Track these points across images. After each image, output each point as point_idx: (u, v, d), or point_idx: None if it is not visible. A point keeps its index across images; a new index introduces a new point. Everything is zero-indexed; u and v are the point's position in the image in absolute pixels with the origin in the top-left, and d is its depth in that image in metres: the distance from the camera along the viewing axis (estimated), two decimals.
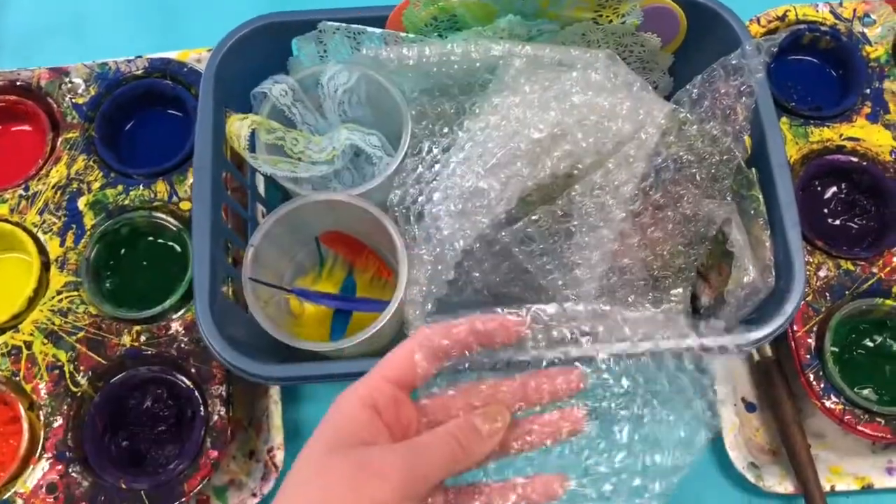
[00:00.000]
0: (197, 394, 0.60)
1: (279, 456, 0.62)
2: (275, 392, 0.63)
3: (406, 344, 0.40)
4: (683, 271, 0.59)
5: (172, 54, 0.73)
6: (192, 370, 0.61)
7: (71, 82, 0.70)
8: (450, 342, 0.40)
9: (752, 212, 0.56)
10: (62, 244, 0.65)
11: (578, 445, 0.46)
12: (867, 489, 0.62)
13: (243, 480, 0.62)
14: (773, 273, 0.54)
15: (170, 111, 0.72)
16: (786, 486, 0.62)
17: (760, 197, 0.56)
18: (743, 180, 0.57)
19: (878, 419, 0.60)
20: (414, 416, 0.41)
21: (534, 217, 0.54)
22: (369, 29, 0.59)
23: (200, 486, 0.58)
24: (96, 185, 0.66)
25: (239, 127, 0.58)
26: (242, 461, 0.63)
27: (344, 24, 0.59)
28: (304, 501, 0.37)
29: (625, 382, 0.49)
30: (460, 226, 0.54)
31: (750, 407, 0.66)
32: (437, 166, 0.58)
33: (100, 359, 0.61)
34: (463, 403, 0.41)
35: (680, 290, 0.59)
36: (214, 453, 0.58)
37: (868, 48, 0.72)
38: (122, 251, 0.66)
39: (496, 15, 0.58)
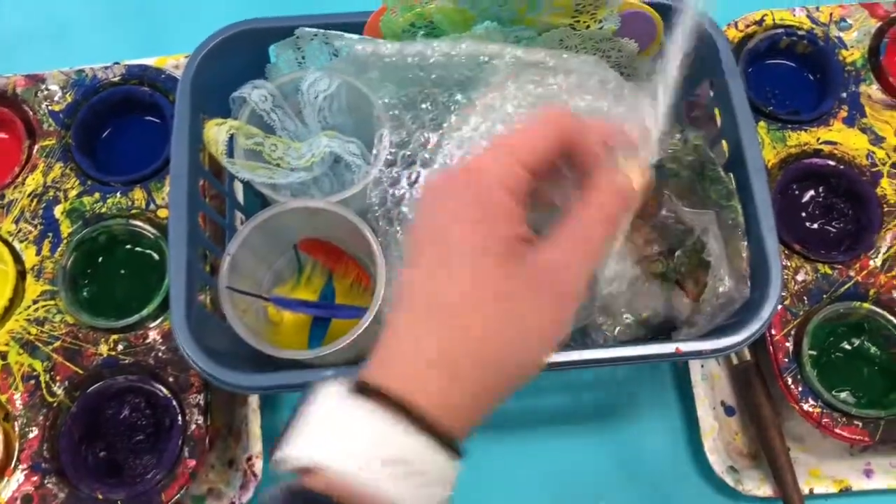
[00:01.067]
0: (175, 403, 0.60)
1: (258, 464, 0.61)
2: (254, 400, 0.63)
3: (537, 125, 0.35)
4: (660, 278, 0.59)
5: (150, 61, 0.72)
6: (170, 379, 0.60)
7: (47, 89, 0.69)
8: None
9: (730, 222, 0.56)
10: (38, 253, 0.64)
11: None
12: (845, 492, 0.62)
13: (222, 489, 0.62)
14: (749, 283, 0.54)
15: (147, 118, 0.71)
16: (765, 490, 0.62)
17: (739, 207, 0.56)
18: (722, 190, 0.57)
19: (856, 422, 0.60)
20: None
21: None
22: (347, 35, 0.59)
23: (178, 495, 0.57)
24: (73, 192, 0.66)
25: (217, 132, 0.57)
26: (221, 470, 0.63)
27: (321, 31, 0.59)
28: (498, 326, 0.32)
29: None
30: None
31: (729, 410, 0.66)
32: (417, 167, 0.58)
33: (76, 368, 0.60)
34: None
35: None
36: (192, 462, 0.58)
37: (844, 52, 0.72)
38: (100, 259, 0.66)
39: (473, 22, 0.57)
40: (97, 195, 0.66)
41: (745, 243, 0.55)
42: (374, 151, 0.58)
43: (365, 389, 0.32)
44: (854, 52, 0.72)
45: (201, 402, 0.60)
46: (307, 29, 0.59)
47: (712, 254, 0.55)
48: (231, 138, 0.58)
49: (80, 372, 0.60)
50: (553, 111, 0.35)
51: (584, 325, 0.57)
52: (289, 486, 0.31)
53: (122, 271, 0.66)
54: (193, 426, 0.59)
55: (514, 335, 0.33)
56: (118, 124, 0.71)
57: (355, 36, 0.58)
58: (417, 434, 0.31)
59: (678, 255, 0.59)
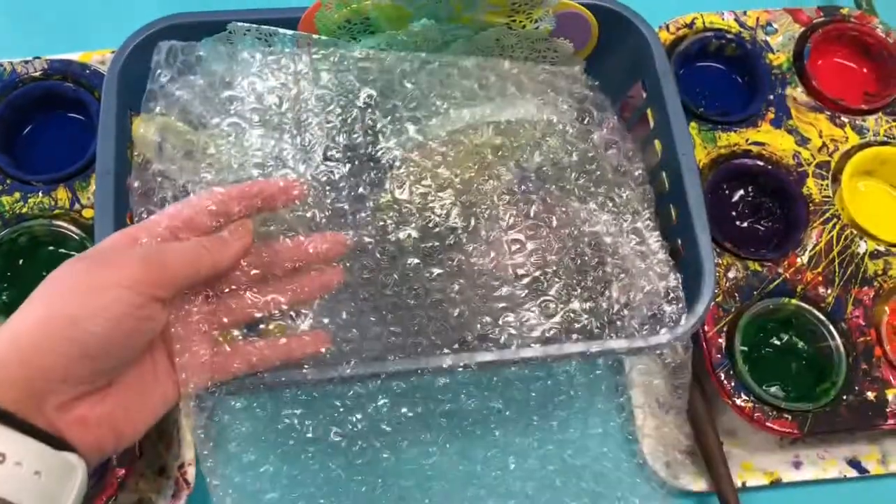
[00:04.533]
0: None
1: (191, 472, 0.59)
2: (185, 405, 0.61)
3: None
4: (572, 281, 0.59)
5: (74, 56, 0.70)
6: None
7: None
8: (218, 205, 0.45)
9: (650, 224, 0.57)
10: None
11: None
12: (776, 484, 0.64)
13: (153, 499, 0.60)
14: (677, 279, 0.55)
15: (71, 115, 0.68)
16: (699, 484, 0.63)
17: (651, 212, 0.57)
18: (642, 193, 0.58)
19: (786, 415, 0.61)
20: None
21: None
22: (281, 31, 0.57)
23: None
24: None
25: (145, 129, 0.55)
26: (152, 478, 0.61)
27: (255, 26, 0.58)
28: (44, 297, 0.40)
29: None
30: None
31: (664, 407, 0.67)
32: None
33: None
34: None
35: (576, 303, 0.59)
36: (121, 471, 0.56)
37: (771, 56, 0.74)
38: (20, 262, 0.63)
39: (410, 19, 0.57)
40: (17, 195, 0.63)
41: (662, 244, 0.57)
42: None
43: None
44: (780, 56, 0.74)
45: None
46: (240, 24, 0.57)
47: (627, 259, 0.56)
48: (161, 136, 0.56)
49: None
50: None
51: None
52: None
53: (45, 274, 0.62)
54: None
55: None
56: (40, 121, 0.68)
57: (289, 31, 0.57)
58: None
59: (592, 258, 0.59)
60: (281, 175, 0.54)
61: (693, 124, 0.70)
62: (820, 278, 0.66)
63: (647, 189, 0.59)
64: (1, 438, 0.35)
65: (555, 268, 0.57)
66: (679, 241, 0.57)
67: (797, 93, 0.73)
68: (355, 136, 0.57)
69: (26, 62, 0.67)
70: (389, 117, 0.57)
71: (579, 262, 0.58)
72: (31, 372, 0.37)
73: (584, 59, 0.64)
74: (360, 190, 0.56)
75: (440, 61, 0.58)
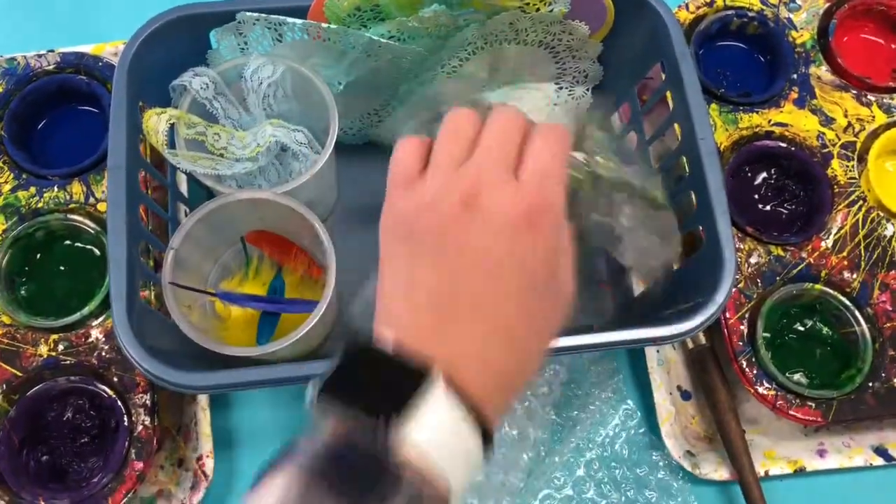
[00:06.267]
0: (120, 403, 0.58)
1: (209, 464, 0.59)
2: (203, 399, 0.61)
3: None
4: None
5: (87, 48, 0.69)
6: (115, 379, 0.58)
7: None
8: None
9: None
10: None
11: None
12: (799, 472, 0.63)
13: (172, 490, 0.60)
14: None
15: (85, 108, 0.68)
16: (721, 473, 0.62)
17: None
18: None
19: (810, 403, 0.60)
20: None
21: None
22: (290, 20, 0.57)
23: (126, 499, 0.55)
24: (7, 187, 0.63)
25: (156, 122, 0.55)
26: (171, 471, 0.61)
27: (264, 15, 0.57)
28: None
29: None
30: None
31: (685, 395, 0.66)
32: None
33: (15, 371, 0.58)
34: None
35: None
36: (140, 464, 0.56)
37: (794, 34, 0.72)
38: (38, 256, 0.63)
39: (421, 4, 0.56)
40: (33, 189, 0.63)
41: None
42: (330, 135, 0.57)
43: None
44: (804, 34, 0.72)
45: (148, 402, 0.58)
46: (249, 13, 0.57)
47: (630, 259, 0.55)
48: (172, 128, 0.56)
49: (19, 374, 0.58)
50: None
51: None
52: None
53: (62, 268, 0.63)
54: (140, 427, 0.57)
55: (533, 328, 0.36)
56: (54, 115, 0.68)
57: (299, 20, 0.57)
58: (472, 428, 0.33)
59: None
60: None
61: (714, 106, 0.69)
62: (845, 262, 0.65)
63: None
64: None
65: None
66: (699, 227, 0.55)
67: (821, 71, 0.71)
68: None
69: (39, 56, 0.67)
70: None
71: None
72: None
73: (600, 42, 0.63)
74: None
75: None
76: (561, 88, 0.67)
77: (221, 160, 0.57)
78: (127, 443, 0.57)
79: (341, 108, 0.58)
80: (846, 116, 0.69)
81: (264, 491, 0.30)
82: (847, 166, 0.67)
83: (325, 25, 0.56)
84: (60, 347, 0.59)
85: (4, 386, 0.57)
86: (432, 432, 0.31)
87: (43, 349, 0.59)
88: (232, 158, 0.58)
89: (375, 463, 0.30)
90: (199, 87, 0.57)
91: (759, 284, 0.64)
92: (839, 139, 0.68)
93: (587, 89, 0.67)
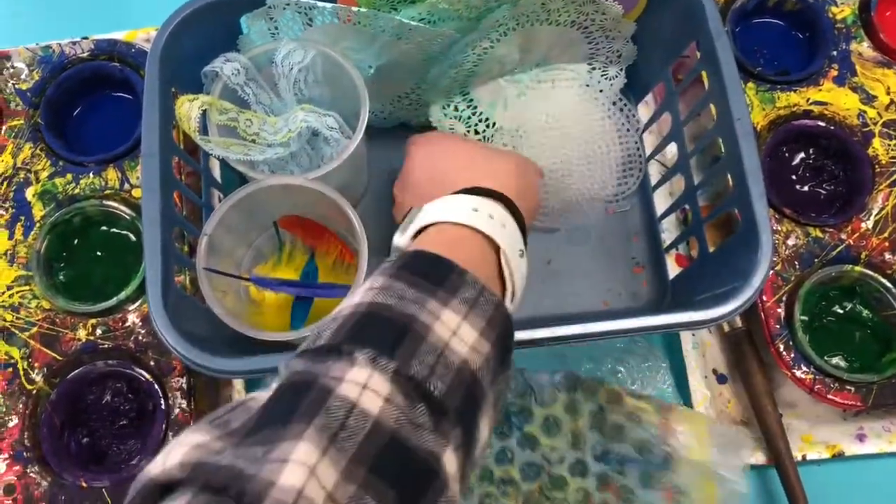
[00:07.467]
0: (157, 387, 0.58)
1: None
2: (238, 383, 0.62)
3: None
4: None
5: (119, 35, 0.70)
6: (151, 363, 0.59)
7: (13, 67, 0.67)
8: None
9: None
10: (11, 237, 0.62)
11: None
12: (838, 457, 0.62)
13: None
14: None
15: (119, 95, 0.69)
16: (758, 457, 0.61)
17: None
18: None
19: (848, 387, 0.59)
20: None
21: None
22: (320, 3, 0.57)
23: None
24: (44, 174, 0.64)
25: (189, 108, 0.55)
26: None
27: (294, 0, 0.57)
28: None
29: None
30: None
31: (721, 378, 0.65)
32: None
33: (55, 354, 0.59)
34: None
35: None
36: None
37: (834, 9, 0.70)
38: (75, 242, 0.64)
39: None
40: (69, 176, 0.64)
41: None
42: (361, 119, 0.56)
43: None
44: (844, 9, 0.70)
45: (184, 386, 0.58)
46: None
47: None
48: (204, 114, 0.56)
49: (59, 358, 0.59)
50: None
51: None
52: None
53: (99, 253, 0.64)
54: (177, 410, 0.58)
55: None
56: (89, 102, 0.69)
57: (329, 4, 0.56)
58: (495, 203, 0.47)
59: None
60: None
61: (750, 85, 0.67)
62: (886, 244, 0.63)
63: None
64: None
65: None
66: (735, 210, 0.54)
67: (863, 47, 0.69)
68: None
69: (73, 43, 0.68)
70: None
71: None
72: None
73: (633, 22, 0.62)
74: None
75: None
76: (594, 69, 0.66)
77: (253, 146, 0.57)
78: (164, 425, 0.57)
79: (372, 92, 0.58)
80: (888, 94, 0.67)
81: (360, 289, 0.38)
82: (889, 145, 0.66)
83: (355, 9, 0.56)
84: (98, 332, 0.60)
85: (45, 370, 0.59)
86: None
87: (81, 333, 0.60)
88: (264, 144, 0.58)
89: (444, 264, 0.38)
90: (230, 73, 0.57)
91: (797, 266, 0.62)
92: (881, 117, 0.67)
93: (620, 69, 0.66)
